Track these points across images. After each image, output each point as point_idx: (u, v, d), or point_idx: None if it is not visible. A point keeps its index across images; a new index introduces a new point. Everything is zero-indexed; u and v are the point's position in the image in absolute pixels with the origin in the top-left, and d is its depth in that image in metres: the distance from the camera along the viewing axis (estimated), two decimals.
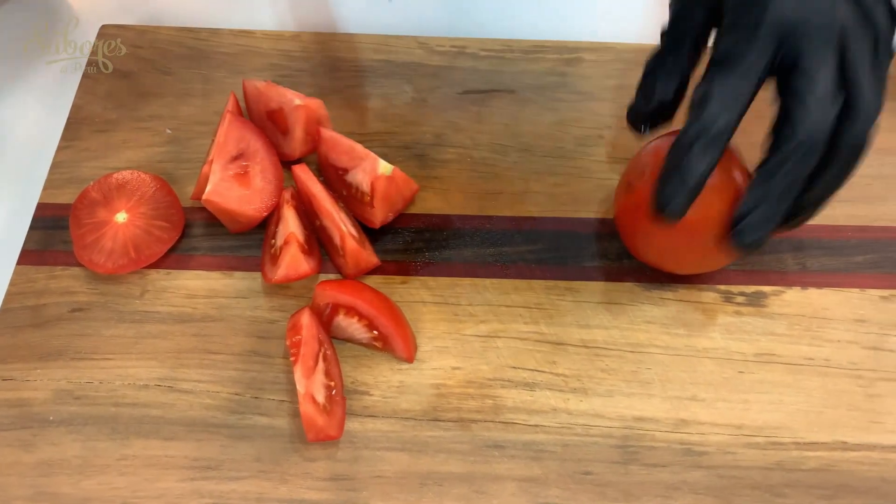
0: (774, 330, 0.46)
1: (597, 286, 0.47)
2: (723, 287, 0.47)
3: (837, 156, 0.37)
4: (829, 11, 0.35)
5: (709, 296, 0.47)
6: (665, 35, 0.41)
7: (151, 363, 0.44)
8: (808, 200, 0.39)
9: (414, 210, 0.50)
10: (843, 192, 0.50)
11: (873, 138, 0.37)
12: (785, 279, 0.48)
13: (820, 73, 0.35)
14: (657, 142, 0.43)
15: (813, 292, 0.47)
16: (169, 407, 0.43)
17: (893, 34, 0.38)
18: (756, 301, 0.47)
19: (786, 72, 0.36)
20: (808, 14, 0.35)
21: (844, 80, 0.36)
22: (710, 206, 0.39)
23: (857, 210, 0.50)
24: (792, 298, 0.47)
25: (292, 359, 0.41)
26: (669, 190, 0.37)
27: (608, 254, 0.48)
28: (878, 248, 0.49)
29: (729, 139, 0.37)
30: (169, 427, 0.42)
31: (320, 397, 0.40)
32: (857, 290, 0.47)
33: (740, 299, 0.47)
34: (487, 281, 0.47)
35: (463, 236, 0.49)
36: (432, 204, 0.50)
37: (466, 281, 0.47)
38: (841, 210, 0.50)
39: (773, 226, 0.37)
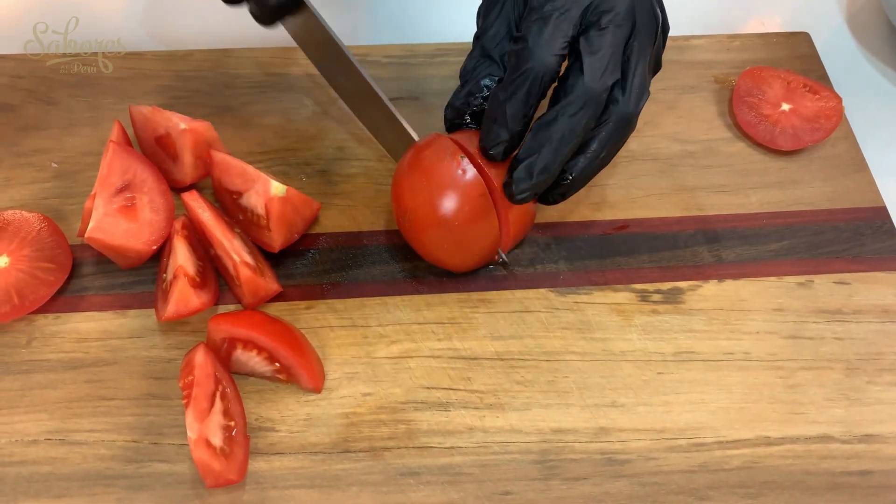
0: (693, 326, 0.45)
1: (510, 295, 0.46)
2: (639, 286, 0.46)
3: (606, 125, 0.40)
4: None
5: (624, 296, 0.45)
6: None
7: (41, 416, 0.41)
8: (575, 168, 0.41)
9: (318, 229, 0.48)
10: (757, 179, 0.51)
11: (636, 121, 0.41)
12: (701, 273, 0.46)
13: (608, 39, 0.39)
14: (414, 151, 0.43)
15: (729, 284, 0.46)
16: (60, 462, 0.40)
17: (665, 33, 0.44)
18: (673, 298, 0.46)
19: (583, 32, 0.39)
20: None
21: (626, 59, 0.40)
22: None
23: (770, 196, 0.50)
24: (709, 292, 0.46)
25: (184, 401, 0.38)
26: (492, 135, 0.40)
27: (520, 261, 0.47)
28: (793, 234, 0.48)
29: (548, 82, 0.39)
30: (60, 483, 0.39)
31: (217, 440, 0.38)
32: (773, 278, 0.46)
33: (657, 297, 0.46)
34: (398, 298, 0.45)
35: (371, 253, 0.47)
36: (338, 221, 0.48)
37: (376, 300, 0.45)
38: (755, 197, 0.50)
39: (543, 176, 0.39)
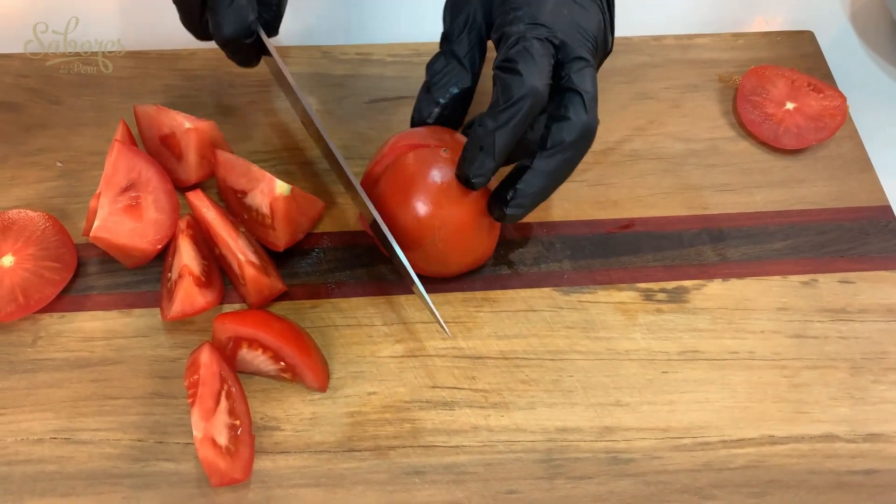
0: (697, 325, 0.45)
1: (515, 294, 0.46)
2: (643, 285, 0.46)
3: (548, 147, 0.39)
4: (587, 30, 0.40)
5: (629, 295, 0.45)
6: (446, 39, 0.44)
7: (46, 415, 0.41)
8: (525, 185, 0.40)
9: (323, 228, 0.48)
10: (762, 178, 0.51)
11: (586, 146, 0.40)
12: (705, 272, 0.46)
13: (592, 74, 0.39)
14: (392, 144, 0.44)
15: (734, 283, 0.46)
16: (66, 460, 0.40)
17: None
18: (677, 297, 0.46)
19: (568, 66, 0.39)
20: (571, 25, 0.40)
21: (568, 82, 0.39)
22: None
23: (775, 195, 0.50)
24: (713, 291, 0.46)
25: (189, 400, 0.38)
26: (478, 164, 0.39)
27: (524, 260, 0.47)
28: (797, 233, 0.48)
29: (539, 112, 0.38)
30: (66, 482, 0.39)
31: (222, 439, 0.38)
32: (778, 277, 0.46)
33: (661, 296, 0.46)
34: (402, 298, 0.45)
35: (376, 252, 0.47)
36: (343, 221, 0.48)
37: (381, 299, 0.45)
38: (760, 196, 0.50)
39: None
